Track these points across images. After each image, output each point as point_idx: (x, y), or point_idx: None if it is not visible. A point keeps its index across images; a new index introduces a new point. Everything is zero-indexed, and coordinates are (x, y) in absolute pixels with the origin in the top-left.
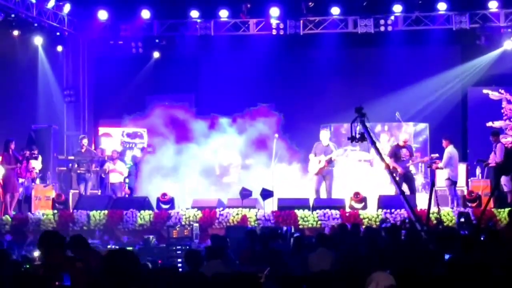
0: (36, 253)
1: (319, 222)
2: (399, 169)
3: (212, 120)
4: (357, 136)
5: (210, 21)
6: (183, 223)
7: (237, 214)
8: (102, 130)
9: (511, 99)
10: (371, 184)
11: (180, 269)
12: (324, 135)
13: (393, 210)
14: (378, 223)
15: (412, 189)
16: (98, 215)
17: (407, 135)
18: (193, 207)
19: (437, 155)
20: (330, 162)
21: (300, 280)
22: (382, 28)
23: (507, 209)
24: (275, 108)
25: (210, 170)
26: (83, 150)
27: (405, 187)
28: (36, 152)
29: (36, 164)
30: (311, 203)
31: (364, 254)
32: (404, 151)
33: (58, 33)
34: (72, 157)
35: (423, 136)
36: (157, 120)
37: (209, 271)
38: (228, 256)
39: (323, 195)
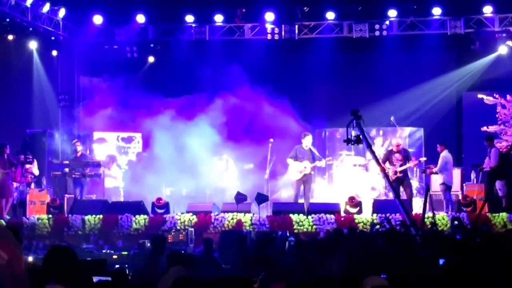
0: (31, 258)
1: (314, 227)
2: (390, 173)
3: (208, 125)
4: (353, 138)
5: (205, 26)
6: (178, 227)
7: (232, 218)
8: (96, 134)
9: (505, 104)
10: (366, 189)
11: None
12: (307, 140)
13: (388, 215)
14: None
15: (407, 194)
16: (93, 219)
17: (399, 140)
18: (188, 212)
19: (424, 158)
20: (313, 167)
21: (297, 284)
22: (377, 33)
23: (502, 214)
24: (271, 112)
25: (205, 175)
26: (78, 155)
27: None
28: (30, 156)
29: (34, 170)
30: (306, 207)
31: (359, 259)
32: (396, 156)
33: (53, 38)
34: (67, 162)
35: (418, 141)
36: (151, 125)
37: (171, 277)
38: (215, 260)
39: (301, 199)
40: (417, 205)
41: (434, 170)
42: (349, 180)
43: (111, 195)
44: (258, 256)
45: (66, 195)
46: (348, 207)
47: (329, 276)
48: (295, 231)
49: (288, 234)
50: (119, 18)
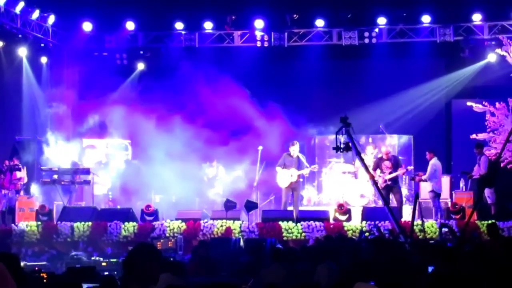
0: (21, 264)
1: (303, 234)
2: (380, 181)
3: (197, 131)
4: (342, 146)
5: (194, 33)
6: (167, 234)
7: (221, 226)
8: (86, 141)
9: (494, 112)
10: (355, 196)
11: None
12: (295, 148)
13: (377, 222)
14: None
15: (397, 201)
16: (82, 226)
17: (389, 147)
18: (177, 219)
19: (412, 167)
20: (301, 175)
21: None
22: (367, 40)
23: (490, 221)
24: (260, 119)
25: (195, 182)
26: (67, 162)
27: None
28: (19, 163)
29: (23, 176)
30: (295, 215)
31: (347, 266)
32: (386, 164)
33: (42, 44)
34: (56, 169)
35: (407, 148)
36: (140, 132)
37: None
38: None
39: (290, 207)
40: (407, 212)
41: (423, 177)
42: (338, 188)
43: (100, 202)
44: (247, 263)
45: (55, 202)
46: (337, 215)
47: (317, 283)
48: (284, 238)
49: (277, 242)
50: (109, 25)
